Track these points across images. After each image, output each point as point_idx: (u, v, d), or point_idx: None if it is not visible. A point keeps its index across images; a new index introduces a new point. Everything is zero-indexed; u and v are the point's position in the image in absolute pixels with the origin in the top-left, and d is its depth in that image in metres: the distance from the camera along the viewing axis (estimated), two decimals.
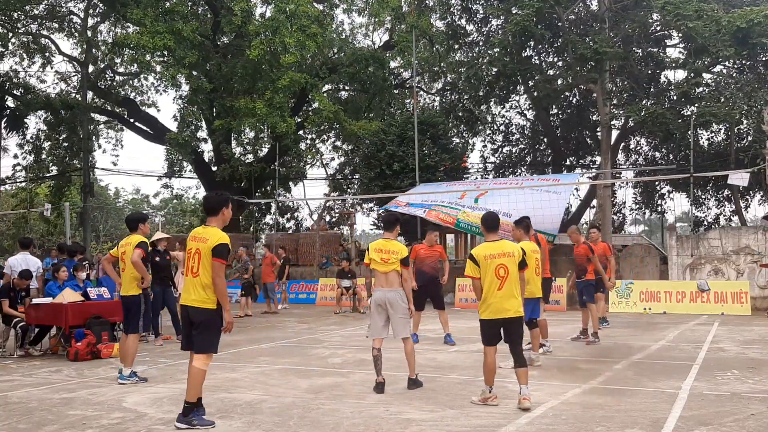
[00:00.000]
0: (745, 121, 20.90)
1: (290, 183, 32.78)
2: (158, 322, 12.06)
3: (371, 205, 28.16)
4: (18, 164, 31.03)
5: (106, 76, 31.41)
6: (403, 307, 7.16)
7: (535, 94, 26.64)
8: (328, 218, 30.19)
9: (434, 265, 11.36)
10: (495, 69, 23.24)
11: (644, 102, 22.11)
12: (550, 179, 19.37)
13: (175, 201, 60.88)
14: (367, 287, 8.04)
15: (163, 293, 11.82)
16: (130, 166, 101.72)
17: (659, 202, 28.68)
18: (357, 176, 29.76)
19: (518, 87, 27.01)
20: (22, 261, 11.43)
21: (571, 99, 28.53)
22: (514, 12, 21.13)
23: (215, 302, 5.70)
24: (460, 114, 28.43)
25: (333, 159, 34.77)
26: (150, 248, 10.62)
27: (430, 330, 12.99)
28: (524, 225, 9.00)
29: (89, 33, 29.71)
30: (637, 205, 29.52)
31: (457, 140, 28.05)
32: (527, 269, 6.85)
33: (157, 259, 11.68)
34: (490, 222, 6.66)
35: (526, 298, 8.32)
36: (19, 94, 29.21)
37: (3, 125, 29.68)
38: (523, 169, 30.17)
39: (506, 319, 6.43)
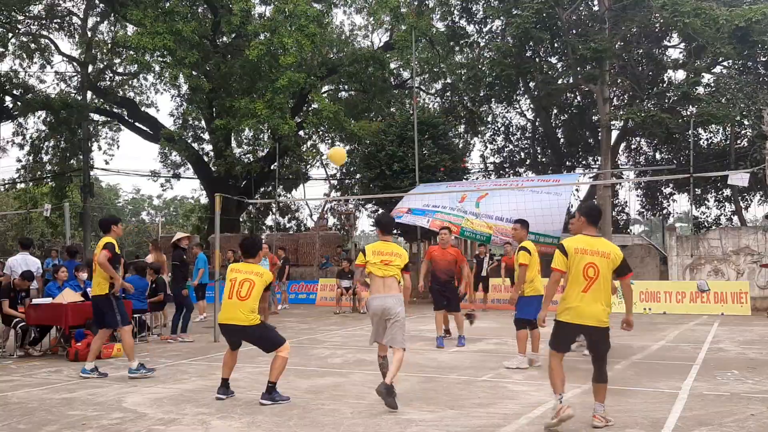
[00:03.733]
0: (745, 122, 20.90)
1: (293, 185, 32.84)
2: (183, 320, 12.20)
3: (371, 204, 28.15)
4: (19, 160, 31.18)
5: (106, 76, 31.40)
6: (402, 313, 6.70)
7: (536, 94, 26.66)
8: (331, 221, 30.18)
9: (449, 272, 10.76)
10: (495, 72, 23.24)
11: (644, 103, 22.11)
12: (551, 180, 19.33)
13: (176, 201, 60.97)
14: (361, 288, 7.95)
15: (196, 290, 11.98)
16: (131, 166, 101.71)
17: (663, 203, 28.69)
18: (357, 176, 29.73)
19: (518, 87, 27.01)
20: (22, 261, 11.40)
21: (571, 99, 28.54)
22: (514, 13, 21.12)
23: (259, 318, 6.98)
24: (461, 114, 28.43)
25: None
26: (172, 247, 10.87)
27: (430, 330, 12.99)
28: (528, 224, 9.07)
29: (89, 33, 29.70)
30: (643, 207, 29.52)
31: (458, 140, 28.03)
32: (627, 277, 5.96)
33: (184, 257, 12.01)
34: (594, 214, 5.92)
35: (533, 296, 8.40)
36: (18, 94, 29.22)
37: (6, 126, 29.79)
38: (523, 169, 30.17)
39: (586, 327, 5.65)
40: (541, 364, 8.74)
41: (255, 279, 6.87)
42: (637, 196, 29.49)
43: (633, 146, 29.66)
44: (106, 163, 37.07)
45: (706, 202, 27.46)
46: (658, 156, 27.91)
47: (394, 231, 17.88)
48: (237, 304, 6.79)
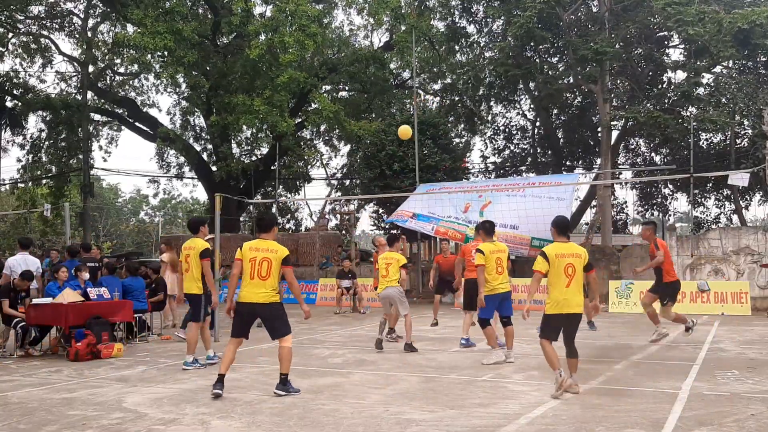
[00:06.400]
0: (745, 122, 20.90)
1: (293, 186, 32.82)
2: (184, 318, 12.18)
3: (371, 204, 28.16)
4: (19, 159, 31.22)
5: (107, 76, 31.41)
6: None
7: (536, 94, 26.66)
8: (332, 222, 30.18)
9: (451, 273, 12.33)
10: (498, 73, 23.24)
11: (644, 103, 22.11)
12: (552, 181, 19.32)
13: (174, 200, 60.96)
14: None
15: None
16: (130, 166, 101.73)
17: (664, 202, 28.68)
18: (357, 177, 29.74)
19: (519, 87, 27.00)
20: (22, 261, 11.38)
21: (572, 100, 28.54)
22: (515, 13, 21.11)
23: (279, 297, 7.22)
24: (461, 114, 28.43)
25: (332, 159, 34.80)
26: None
27: (430, 330, 13.01)
28: (484, 229, 9.48)
29: (89, 33, 29.71)
30: (643, 207, 29.52)
31: (458, 140, 28.03)
32: (592, 272, 7.20)
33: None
34: (561, 225, 7.24)
35: (489, 296, 8.95)
36: (18, 93, 29.22)
37: (4, 125, 29.72)
38: (524, 169, 30.16)
39: (569, 315, 6.93)
40: (514, 361, 8.91)
41: (271, 257, 7.09)
42: (636, 195, 29.50)
43: (631, 147, 29.64)
44: (104, 160, 37.11)
45: (705, 202, 27.45)
46: (657, 157, 27.89)
47: (396, 231, 18.45)
48: (259, 284, 7.04)
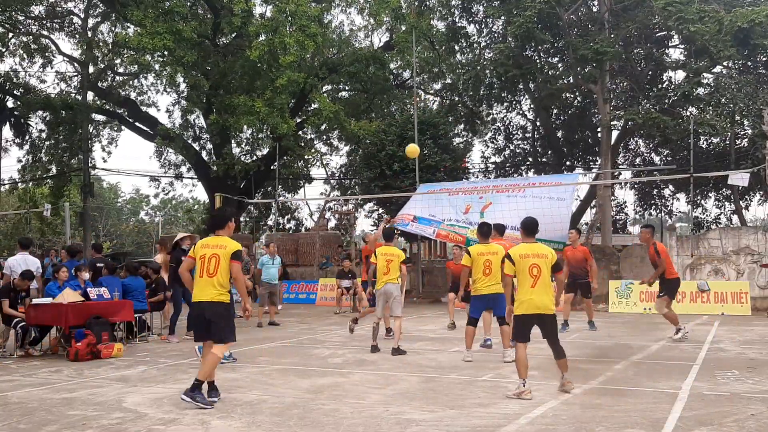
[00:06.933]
0: (745, 121, 20.89)
1: (294, 186, 32.78)
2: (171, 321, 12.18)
3: (371, 204, 28.16)
4: (20, 160, 31.22)
5: (107, 76, 31.41)
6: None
7: (536, 95, 26.65)
8: (332, 222, 30.21)
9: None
10: (498, 73, 23.23)
11: (644, 104, 22.10)
12: (553, 181, 19.30)
13: (174, 201, 60.94)
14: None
15: (183, 292, 11.86)
16: (130, 166, 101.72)
17: (664, 202, 28.67)
18: (357, 177, 29.73)
19: (519, 87, 26.98)
20: (22, 261, 11.38)
21: (572, 100, 28.54)
22: (515, 13, 21.10)
23: (228, 297, 6.81)
24: (461, 114, 28.41)
25: (331, 159, 34.81)
26: (173, 247, 10.99)
27: (430, 330, 13.01)
28: (481, 232, 9.63)
29: (89, 33, 29.70)
30: (642, 207, 29.51)
31: (458, 140, 28.02)
32: (560, 273, 7.30)
33: (182, 257, 11.87)
34: (529, 227, 7.28)
35: (474, 296, 9.11)
36: (19, 94, 29.21)
37: (8, 128, 29.76)
38: (524, 169, 30.17)
39: (540, 315, 6.91)
40: (511, 361, 8.82)
41: (220, 253, 6.79)
42: (634, 195, 29.51)
43: (631, 147, 29.64)
44: (105, 161, 37.14)
45: (704, 203, 27.44)
46: (656, 158, 27.89)
47: (396, 232, 18.48)
48: (207, 282, 6.76)
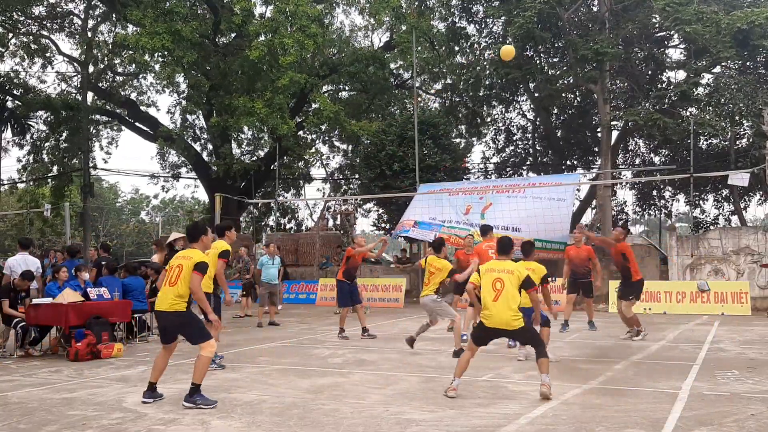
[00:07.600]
0: (745, 122, 20.90)
1: (296, 184, 32.74)
2: None
3: (371, 205, 28.15)
4: (19, 160, 31.24)
5: (107, 76, 31.40)
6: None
7: (536, 95, 26.64)
8: (331, 222, 30.23)
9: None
10: (498, 74, 23.21)
11: (644, 104, 22.09)
12: (553, 181, 19.30)
13: (175, 201, 60.94)
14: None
15: None
16: (130, 166, 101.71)
17: (664, 203, 28.65)
18: (357, 176, 29.73)
19: (519, 88, 26.98)
20: (22, 261, 11.38)
21: (572, 100, 28.53)
22: (515, 13, 21.11)
23: (184, 305, 6.74)
24: (461, 115, 28.40)
25: (331, 158, 34.78)
26: (167, 248, 11.10)
27: (430, 330, 12.97)
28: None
29: (89, 33, 29.69)
30: (642, 207, 29.48)
31: (458, 140, 28.02)
32: (531, 290, 7.28)
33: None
34: (502, 246, 7.39)
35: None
36: (19, 94, 29.19)
37: (9, 127, 29.77)
38: (524, 170, 30.16)
39: (499, 330, 7.00)
40: (524, 359, 8.98)
41: (184, 263, 6.78)
42: (634, 195, 29.49)
43: (631, 147, 29.63)
44: (105, 162, 37.12)
45: (703, 204, 27.42)
46: (656, 158, 27.87)
47: (402, 236, 19.26)
48: (167, 291, 6.76)
